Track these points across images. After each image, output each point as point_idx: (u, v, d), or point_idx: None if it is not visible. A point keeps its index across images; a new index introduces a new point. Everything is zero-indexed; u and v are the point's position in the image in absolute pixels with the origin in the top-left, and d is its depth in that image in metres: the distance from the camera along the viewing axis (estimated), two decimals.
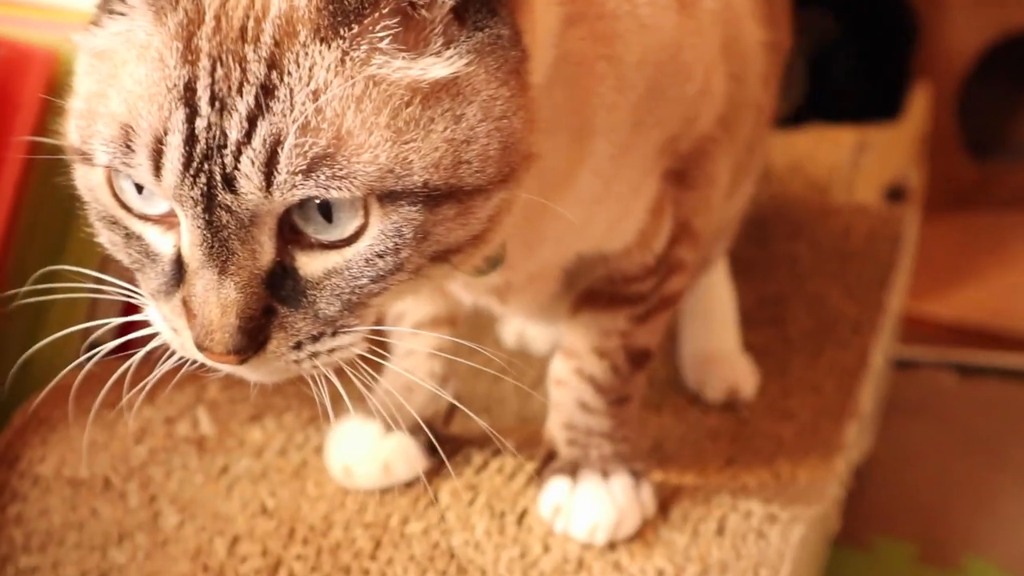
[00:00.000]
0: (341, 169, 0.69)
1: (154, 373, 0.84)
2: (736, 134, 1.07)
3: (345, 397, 0.80)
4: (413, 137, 0.70)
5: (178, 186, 0.70)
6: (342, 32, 0.70)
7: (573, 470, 1.08)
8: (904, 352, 1.94)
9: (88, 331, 0.88)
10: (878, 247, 1.63)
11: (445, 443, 1.15)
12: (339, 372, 0.80)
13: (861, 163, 2.00)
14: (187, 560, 1.08)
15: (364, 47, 0.70)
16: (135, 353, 0.83)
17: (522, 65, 0.74)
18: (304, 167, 0.69)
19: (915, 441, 1.84)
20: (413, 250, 0.73)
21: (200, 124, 0.69)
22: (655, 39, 0.90)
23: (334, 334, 0.76)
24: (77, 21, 0.77)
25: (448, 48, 0.72)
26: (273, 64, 0.69)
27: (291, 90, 0.69)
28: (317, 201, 0.71)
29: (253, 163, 0.69)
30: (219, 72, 0.69)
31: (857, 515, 1.43)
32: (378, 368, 0.83)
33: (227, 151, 0.69)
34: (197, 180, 0.70)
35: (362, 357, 0.80)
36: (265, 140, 0.68)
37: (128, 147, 0.70)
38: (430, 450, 1.11)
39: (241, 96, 0.69)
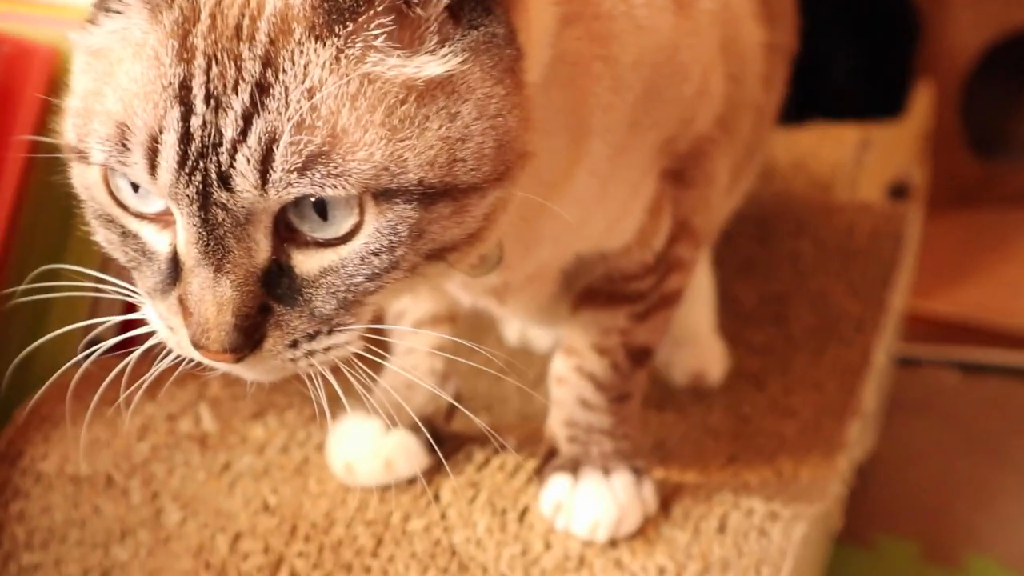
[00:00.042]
0: (336, 167, 0.69)
1: (151, 371, 0.84)
2: (735, 134, 1.07)
3: (342, 396, 0.80)
4: (408, 135, 0.71)
5: (173, 184, 0.70)
6: (337, 30, 0.70)
7: (574, 467, 1.08)
8: (907, 350, 1.93)
9: (89, 328, 0.88)
10: (881, 245, 1.63)
11: (447, 440, 1.15)
12: (337, 371, 0.80)
13: (864, 161, 1.99)
14: (189, 557, 1.08)
15: (359, 45, 0.70)
16: (135, 350, 0.83)
17: (517, 64, 0.75)
18: (299, 165, 0.69)
19: (918, 439, 1.84)
20: (408, 248, 0.73)
21: (195, 122, 0.69)
22: (652, 40, 0.90)
23: (330, 332, 0.76)
24: (79, 17, 0.77)
25: (443, 46, 0.72)
26: (268, 62, 0.69)
27: (286, 88, 0.69)
28: (312, 199, 0.71)
29: (249, 161, 0.69)
30: (214, 70, 0.69)
31: (860, 513, 1.43)
32: (376, 367, 0.83)
33: (223, 149, 0.69)
34: (193, 178, 0.70)
35: (360, 356, 0.80)
36: (260, 138, 0.69)
37: (124, 145, 0.70)
38: (432, 447, 1.11)
39: (236, 94, 0.69)
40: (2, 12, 1.32)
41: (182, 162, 0.69)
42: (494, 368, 1.04)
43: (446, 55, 0.72)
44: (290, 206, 0.72)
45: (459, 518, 1.07)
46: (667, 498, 1.10)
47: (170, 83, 0.69)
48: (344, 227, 0.72)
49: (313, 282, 0.74)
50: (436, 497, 1.09)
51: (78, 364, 0.91)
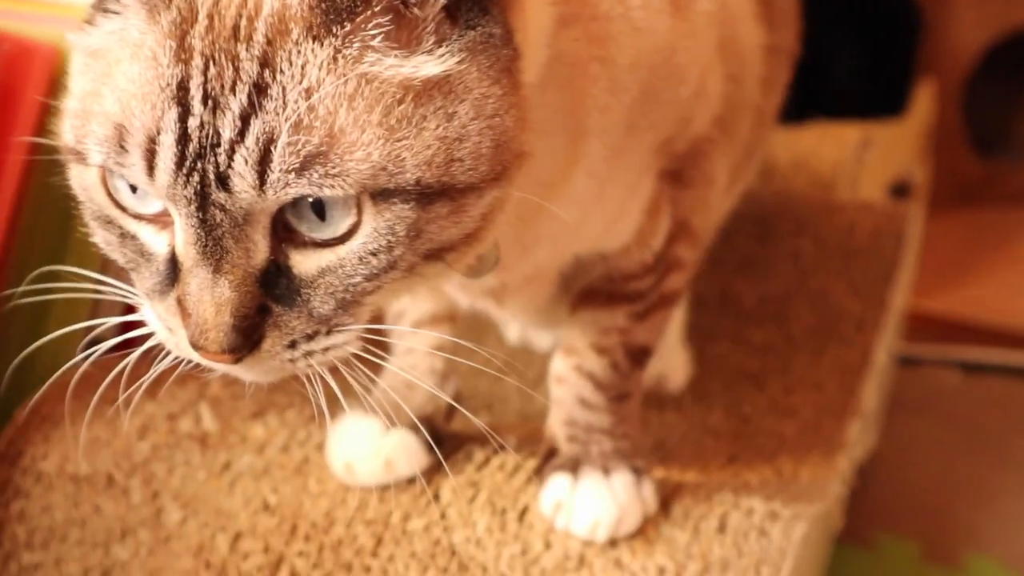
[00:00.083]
0: (334, 167, 0.69)
1: (150, 373, 0.84)
2: (734, 135, 1.07)
3: (340, 396, 0.80)
4: (405, 135, 0.71)
5: (171, 185, 0.70)
6: (334, 30, 0.70)
7: (574, 467, 1.08)
8: (908, 349, 1.93)
9: (89, 329, 0.88)
10: (882, 244, 1.63)
11: (447, 439, 1.15)
12: (336, 371, 0.80)
13: (865, 160, 1.99)
14: (189, 556, 1.08)
15: (356, 45, 0.70)
16: (135, 351, 0.84)
17: (514, 64, 0.75)
18: (297, 165, 0.69)
19: (919, 438, 1.84)
20: (406, 248, 0.73)
21: (193, 123, 0.69)
22: (648, 42, 0.90)
23: (328, 333, 0.76)
24: (79, 15, 0.77)
25: (440, 46, 0.72)
26: (266, 62, 0.69)
27: (284, 88, 0.69)
28: (310, 199, 0.71)
29: (247, 161, 0.69)
30: (212, 71, 0.69)
31: (860, 512, 1.43)
32: (375, 367, 0.83)
33: (220, 150, 0.69)
34: (190, 179, 0.70)
35: (359, 356, 0.80)
36: (258, 138, 0.69)
37: (122, 147, 0.70)
38: (432, 446, 1.11)
39: (234, 94, 0.69)
40: (3, 10, 1.32)
41: (180, 163, 0.69)
42: (494, 368, 1.04)
43: (443, 55, 0.72)
44: (288, 206, 0.72)
45: (459, 518, 1.08)
46: (667, 498, 1.10)
47: (168, 84, 0.69)
48: (342, 227, 0.72)
49: (311, 282, 0.74)
50: (436, 497, 1.09)
51: (78, 364, 0.91)
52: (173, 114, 0.69)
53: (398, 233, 0.72)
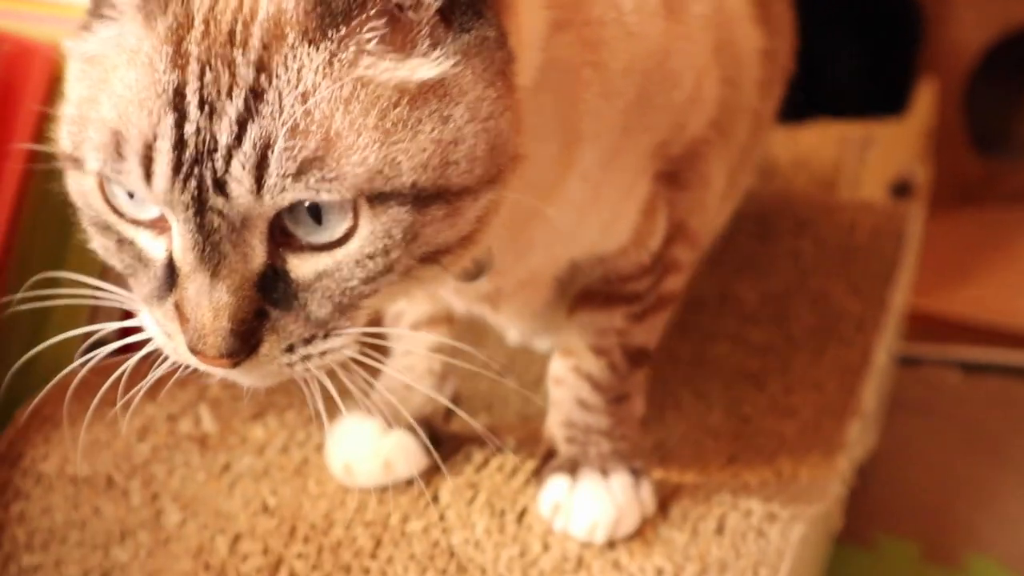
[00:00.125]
0: (331, 171, 0.69)
1: (148, 378, 0.84)
2: (730, 138, 1.07)
3: (338, 399, 0.81)
4: (401, 138, 0.71)
5: (168, 191, 0.70)
6: (330, 34, 0.70)
7: (572, 468, 1.08)
8: (908, 349, 1.93)
9: (89, 333, 0.88)
10: (883, 243, 1.62)
11: (446, 440, 1.15)
12: (334, 374, 0.80)
13: (866, 159, 1.99)
14: (189, 558, 1.09)
15: (352, 49, 0.70)
16: (135, 354, 0.84)
17: (508, 67, 0.75)
18: (294, 170, 0.69)
19: (919, 438, 1.83)
20: (403, 251, 0.73)
21: (189, 129, 0.69)
22: (642, 47, 0.90)
23: (326, 336, 0.76)
24: (80, 15, 0.77)
25: (435, 49, 0.72)
26: (262, 67, 0.69)
27: (280, 93, 0.69)
28: (307, 204, 0.71)
29: (244, 167, 0.69)
30: (208, 76, 0.69)
31: (860, 513, 1.43)
32: (373, 370, 0.83)
33: (218, 155, 0.69)
34: (187, 185, 0.70)
35: (356, 360, 0.80)
36: (255, 143, 0.69)
37: (119, 154, 0.70)
38: (431, 447, 1.11)
39: (231, 100, 0.69)
40: (3, 10, 1.32)
41: (176, 169, 0.70)
42: (493, 370, 1.04)
43: (438, 58, 0.72)
44: (285, 211, 0.72)
45: (458, 519, 1.08)
46: (665, 499, 1.10)
47: (164, 90, 0.69)
48: (339, 231, 0.72)
49: (308, 286, 0.74)
50: (435, 498, 1.09)
51: (81, 366, 0.91)
52: (169, 120, 0.69)
53: (394, 236, 0.72)
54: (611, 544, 1.05)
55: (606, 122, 0.89)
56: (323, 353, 0.77)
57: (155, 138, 0.69)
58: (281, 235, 0.73)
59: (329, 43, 0.70)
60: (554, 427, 1.11)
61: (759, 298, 1.55)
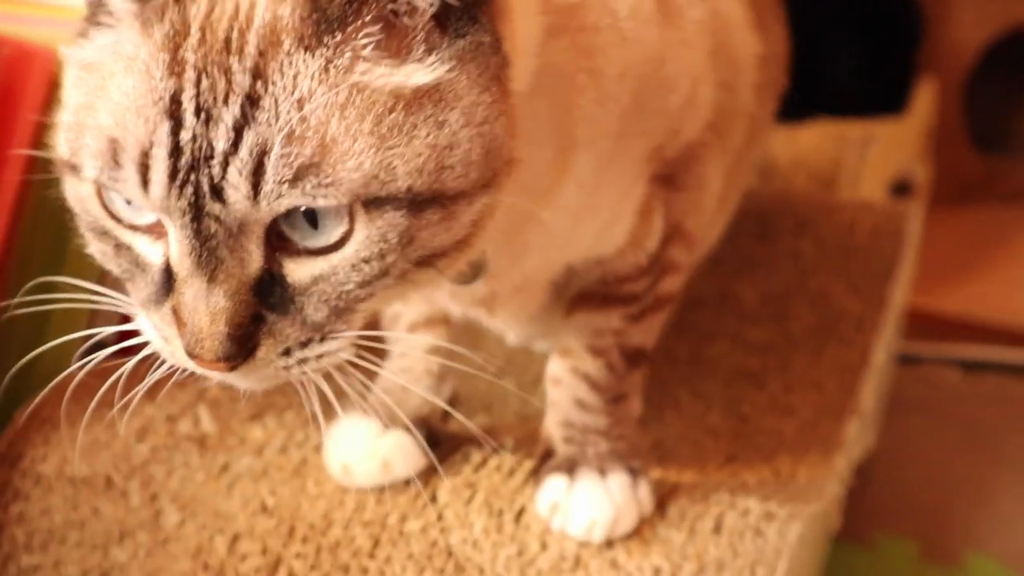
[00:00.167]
0: (327, 177, 0.70)
1: (144, 382, 0.85)
2: (727, 141, 1.07)
3: (335, 402, 0.81)
4: (397, 143, 0.71)
5: (165, 198, 0.71)
6: (325, 40, 0.70)
7: (570, 468, 1.08)
8: (908, 348, 1.92)
9: (88, 336, 0.89)
10: (882, 243, 1.62)
11: (444, 440, 1.16)
12: (331, 377, 0.80)
13: (866, 158, 1.99)
14: (188, 558, 1.09)
15: (347, 55, 0.71)
16: (133, 357, 0.84)
17: (503, 72, 0.75)
18: (290, 176, 0.69)
19: (918, 437, 1.83)
20: (398, 255, 0.73)
21: (185, 136, 0.69)
22: (637, 52, 0.90)
23: (322, 340, 0.77)
24: (79, 19, 0.77)
25: (430, 55, 0.72)
26: (258, 74, 0.69)
27: (276, 99, 0.69)
28: (303, 209, 0.71)
29: (240, 173, 0.69)
30: (204, 83, 0.69)
31: (859, 512, 1.43)
32: (370, 372, 0.83)
33: (214, 161, 0.69)
34: (184, 191, 0.70)
35: (353, 363, 0.80)
36: (252, 150, 0.69)
37: (116, 162, 0.71)
38: (429, 447, 1.11)
39: (227, 106, 0.69)
40: (2, 13, 1.32)
41: (173, 175, 0.70)
42: (491, 372, 1.05)
43: (433, 63, 0.72)
44: (281, 216, 0.72)
45: (456, 519, 1.08)
46: (663, 498, 1.10)
47: (160, 97, 0.70)
48: (335, 235, 0.73)
49: (305, 290, 0.74)
50: (433, 498, 1.10)
51: (78, 369, 0.91)
52: (165, 127, 0.69)
53: (390, 240, 0.72)
54: (609, 543, 1.05)
55: (601, 127, 0.89)
56: (319, 356, 0.77)
57: (151, 145, 0.70)
58: (277, 240, 0.73)
59: (325, 49, 0.70)
60: (552, 427, 1.11)
61: (759, 298, 1.55)
